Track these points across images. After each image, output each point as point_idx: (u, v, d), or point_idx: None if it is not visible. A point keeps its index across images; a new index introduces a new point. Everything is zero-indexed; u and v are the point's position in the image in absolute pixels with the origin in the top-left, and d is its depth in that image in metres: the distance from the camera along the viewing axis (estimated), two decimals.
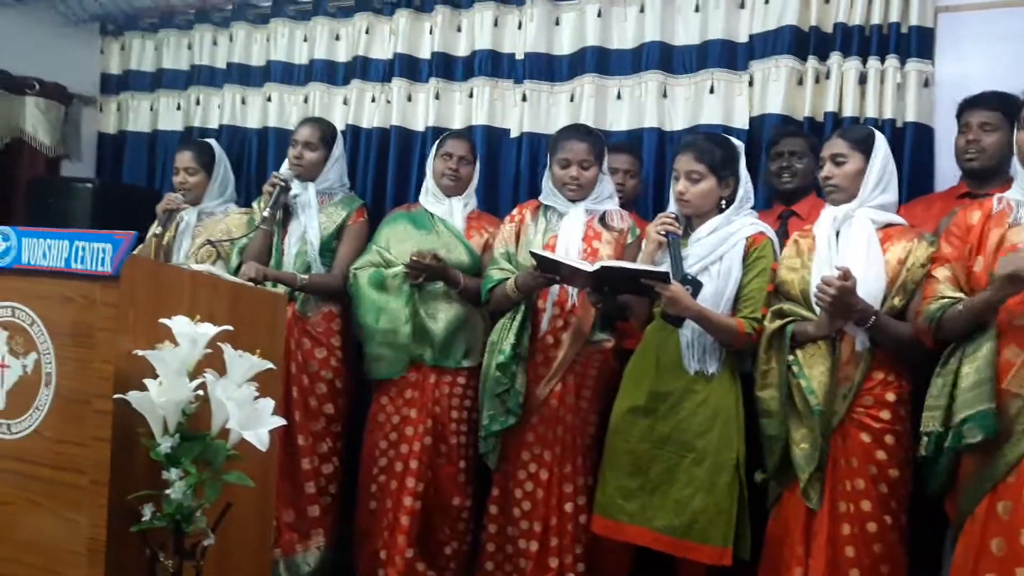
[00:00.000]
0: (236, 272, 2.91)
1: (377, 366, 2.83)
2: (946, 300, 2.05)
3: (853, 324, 2.16)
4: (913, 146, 2.85)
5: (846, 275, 2.06)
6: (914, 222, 2.53)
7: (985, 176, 2.50)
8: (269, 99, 3.85)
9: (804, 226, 2.50)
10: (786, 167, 2.75)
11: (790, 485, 2.24)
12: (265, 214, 2.85)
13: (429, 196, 2.94)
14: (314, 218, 2.94)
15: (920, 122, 2.86)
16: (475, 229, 2.92)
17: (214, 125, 3.98)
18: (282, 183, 2.88)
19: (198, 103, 4.04)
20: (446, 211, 2.90)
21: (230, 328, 1.59)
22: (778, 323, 2.27)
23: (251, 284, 2.02)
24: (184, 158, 3.18)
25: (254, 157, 3.85)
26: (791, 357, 2.23)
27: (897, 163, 2.77)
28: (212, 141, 3.36)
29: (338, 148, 3.08)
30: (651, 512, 2.36)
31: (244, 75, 3.95)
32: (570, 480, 2.60)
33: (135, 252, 2.53)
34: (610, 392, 2.58)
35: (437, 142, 2.99)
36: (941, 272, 2.10)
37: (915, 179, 2.83)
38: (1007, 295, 1.89)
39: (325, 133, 3.04)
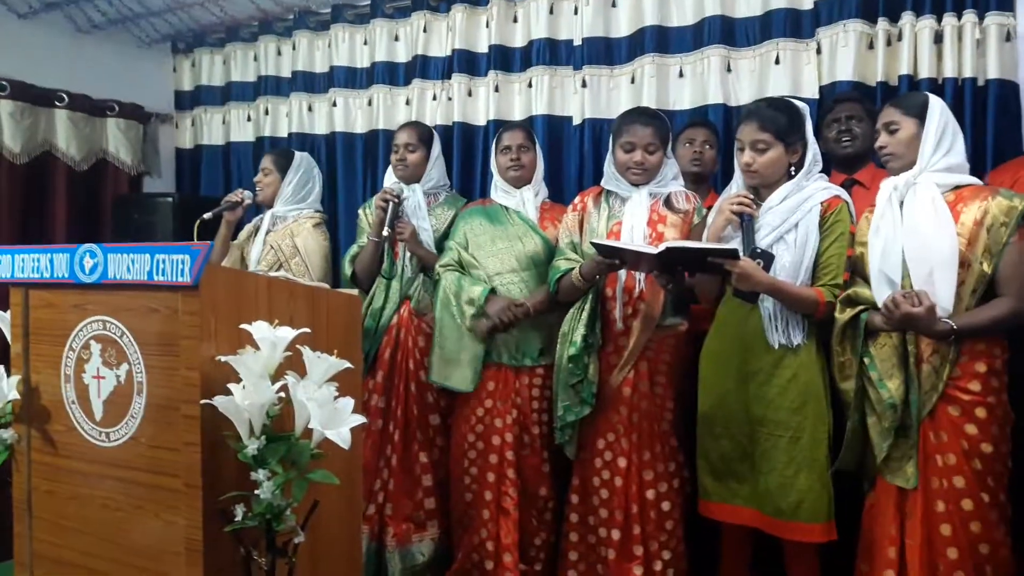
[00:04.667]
0: (352, 278, 3.04)
1: (445, 374, 2.83)
2: None
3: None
4: (997, 104, 2.70)
5: (918, 299, 1.98)
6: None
7: None
8: (334, 104, 3.92)
9: (868, 194, 2.40)
10: (845, 131, 2.67)
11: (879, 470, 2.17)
12: (385, 232, 2.90)
13: (499, 192, 2.96)
14: (425, 219, 3.01)
15: (1004, 78, 2.71)
16: (548, 220, 2.91)
17: (283, 133, 4.08)
18: (395, 198, 2.94)
19: (267, 113, 4.15)
20: (518, 202, 2.91)
21: (308, 331, 1.63)
22: (850, 312, 2.18)
23: (325, 286, 2.06)
24: (265, 160, 3.31)
25: (323, 162, 3.91)
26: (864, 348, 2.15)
27: (981, 124, 2.66)
28: (298, 152, 3.38)
29: (436, 147, 3.14)
30: (758, 495, 2.32)
31: (309, 82, 4.03)
32: (650, 467, 2.57)
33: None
34: (686, 376, 2.53)
35: (496, 138, 3.00)
36: None
37: (1000, 138, 2.69)
38: None
39: (423, 133, 3.12)
